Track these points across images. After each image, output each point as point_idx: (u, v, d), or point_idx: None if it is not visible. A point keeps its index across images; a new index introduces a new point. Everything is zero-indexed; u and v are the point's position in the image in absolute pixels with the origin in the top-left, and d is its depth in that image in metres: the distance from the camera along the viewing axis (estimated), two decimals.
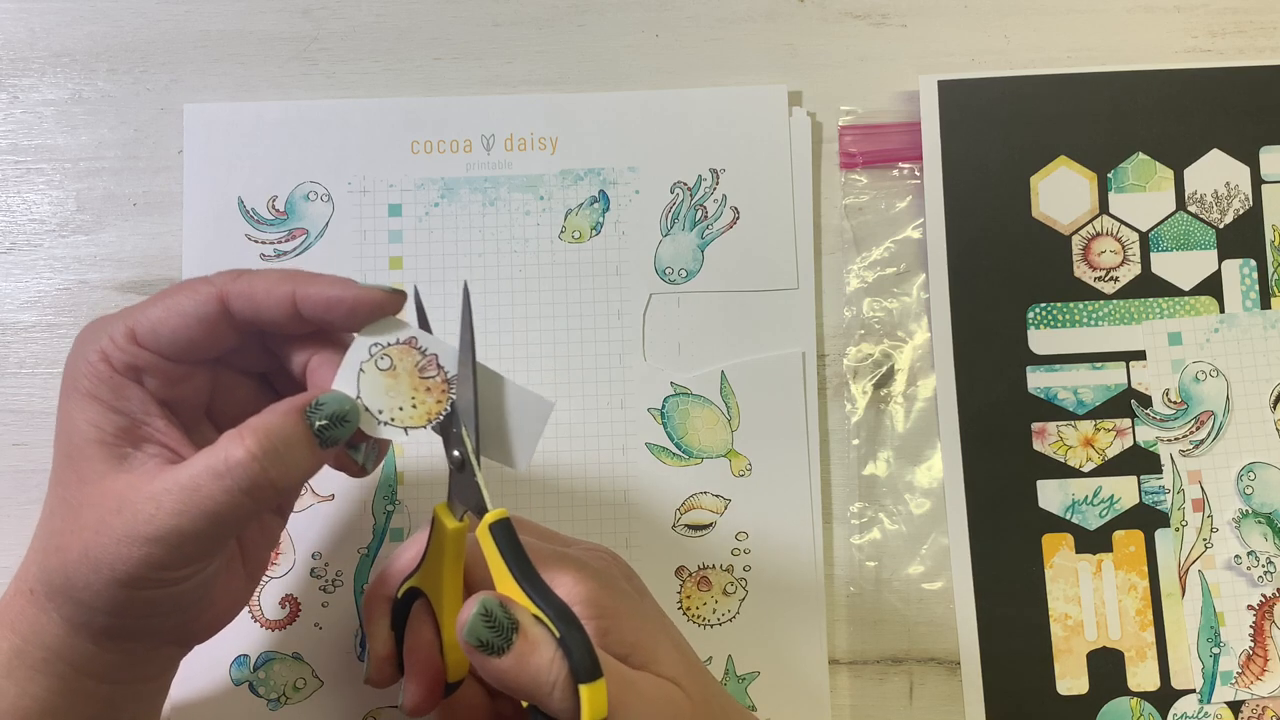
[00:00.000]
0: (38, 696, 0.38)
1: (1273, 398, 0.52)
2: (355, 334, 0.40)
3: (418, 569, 0.42)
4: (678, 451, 0.52)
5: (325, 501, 0.51)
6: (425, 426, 0.40)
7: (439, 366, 0.40)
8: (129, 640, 0.39)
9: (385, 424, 0.39)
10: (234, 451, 0.37)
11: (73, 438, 0.38)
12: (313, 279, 0.39)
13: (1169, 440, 0.52)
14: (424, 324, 0.41)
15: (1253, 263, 0.53)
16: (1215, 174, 0.54)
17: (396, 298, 0.40)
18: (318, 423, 0.38)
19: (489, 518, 0.38)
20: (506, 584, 0.37)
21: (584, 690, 0.35)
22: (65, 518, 0.38)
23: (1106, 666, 0.50)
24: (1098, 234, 0.54)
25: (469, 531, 0.40)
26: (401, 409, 0.40)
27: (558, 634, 0.36)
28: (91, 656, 0.39)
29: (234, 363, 0.42)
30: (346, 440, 0.39)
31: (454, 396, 0.40)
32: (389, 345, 0.40)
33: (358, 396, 0.39)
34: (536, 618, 0.36)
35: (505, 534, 0.37)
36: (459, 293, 0.52)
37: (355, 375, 0.40)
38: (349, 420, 0.39)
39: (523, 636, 0.36)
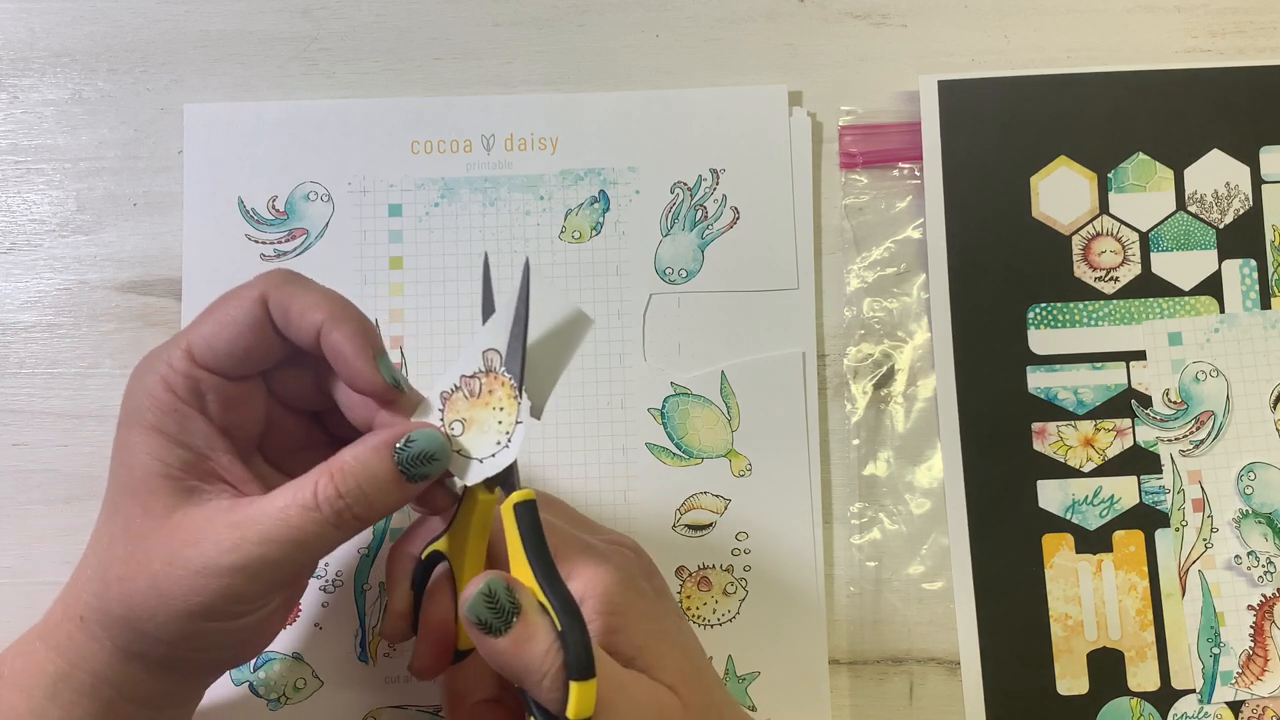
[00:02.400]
0: None
1: (1273, 398, 0.52)
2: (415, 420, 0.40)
3: (444, 533, 0.42)
4: (678, 451, 0.52)
5: None
6: (519, 409, 0.40)
7: (476, 374, 0.40)
8: (181, 670, 0.40)
9: (510, 444, 0.39)
10: (324, 486, 0.37)
11: (134, 471, 0.38)
12: (342, 321, 0.39)
13: (1169, 440, 0.52)
14: (489, 293, 0.42)
15: (1253, 263, 0.53)
16: (1215, 174, 0.54)
17: (392, 394, 0.40)
18: (406, 461, 0.38)
19: (515, 497, 0.38)
20: (520, 566, 0.37)
21: (574, 688, 0.35)
22: (128, 548, 0.38)
23: (1106, 666, 0.50)
24: (1098, 234, 0.53)
25: (497, 506, 0.40)
26: (501, 422, 0.40)
27: (560, 626, 0.36)
28: (139, 684, 0.39)
29: (288, 399, 0.42)
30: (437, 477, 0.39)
31: (507, 372, 0.40)
32: (444, 421, 0.40)
33: (480, 460, 0.39)
34: (542, 606, 0.36)
35: (528, 516, 0.37)
36: (458, 290, 0.53)
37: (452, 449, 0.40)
38: (438, 459, 0.39)
39: (523, 622, 0.36)
